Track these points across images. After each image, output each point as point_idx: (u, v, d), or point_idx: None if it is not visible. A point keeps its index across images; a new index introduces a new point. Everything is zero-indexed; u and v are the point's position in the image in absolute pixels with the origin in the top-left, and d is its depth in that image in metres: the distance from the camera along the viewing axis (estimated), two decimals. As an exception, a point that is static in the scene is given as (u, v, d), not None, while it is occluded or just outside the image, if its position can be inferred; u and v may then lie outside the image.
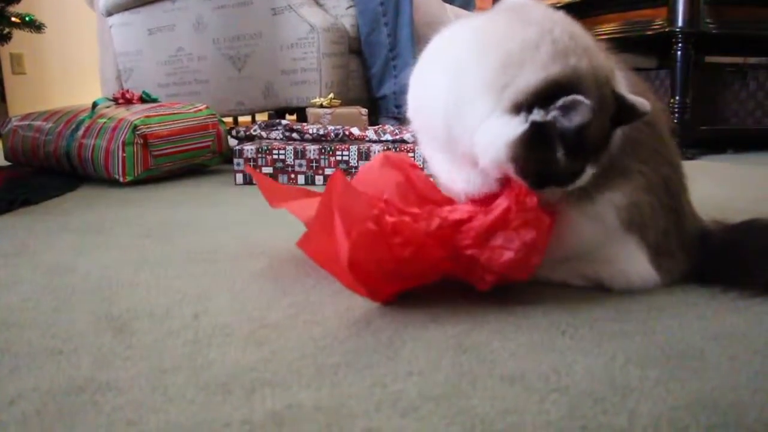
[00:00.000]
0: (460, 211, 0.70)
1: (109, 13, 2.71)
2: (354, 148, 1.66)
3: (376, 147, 1.66)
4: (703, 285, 0.78)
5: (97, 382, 0.55)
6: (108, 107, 1.86)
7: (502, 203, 0.67)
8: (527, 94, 0.65)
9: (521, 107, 0.65)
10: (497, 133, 0.67)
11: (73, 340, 0.64)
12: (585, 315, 0.70)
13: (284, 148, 1.67)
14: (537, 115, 0.65)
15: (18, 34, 2.39)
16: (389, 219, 0.68)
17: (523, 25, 0.68)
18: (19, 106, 3.95)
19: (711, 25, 2.29)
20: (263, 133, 1.86)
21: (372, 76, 2.33)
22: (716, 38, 2.36)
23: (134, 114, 1.75)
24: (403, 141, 1.72)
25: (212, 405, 0.51)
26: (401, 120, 2.21)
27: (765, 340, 0.63)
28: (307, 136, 1.78)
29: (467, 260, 0.69)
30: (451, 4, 2.71)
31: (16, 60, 4.17)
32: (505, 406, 0.50)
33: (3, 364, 0.59)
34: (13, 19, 2.25)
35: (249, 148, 1.68)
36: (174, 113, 1.84)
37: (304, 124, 1.87)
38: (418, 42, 2.28)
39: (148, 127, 1.71)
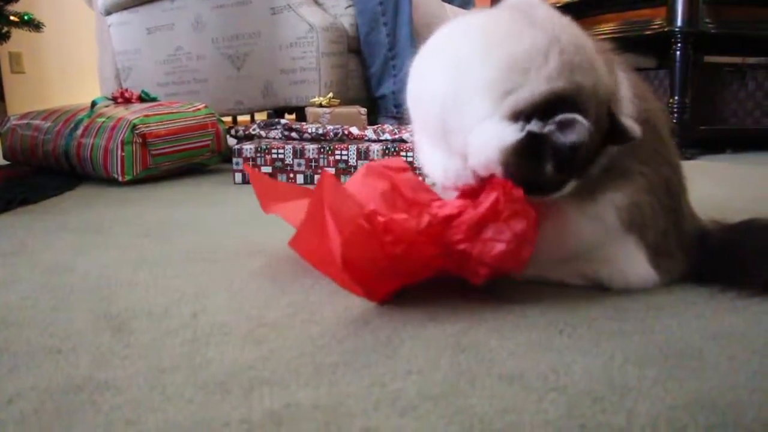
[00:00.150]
0: (450, 207, 0.70)
1: (108, 12, 2.71)
2: (353, 147, 1.66)
3: (375, 146, 1.66)
4: (702, 285, 0.78)
5: (96, 381, 0.55)
6: (107, 106, 1.86)
7: (490, 195, 0.67)
8: (528, 105, 0.65)
9: (520, 116, 0.66)
10: (492, 137, 0.67)
11: (72, 339, 0.64)
12: (583, 314, 0.70)
13: (283, 148, 1.67)
14: (535, 126, 0.65)
15: (17, 33, 2.39)
16: (380, 218, 0.68)
17: (529, 27, 0.68)
18: (17, 105, 3.95)
19: (710, 25, 2.29)
20: (262, 133, 1.86)
21: (371, 75, 2.33)
22: (715, 38, 2.36)
23: (133, 113, 1.75)
24: (402, 140, 1.72)
25: (211, 404, 0.51)
26: (400, 119, 2.21)
27: (763, 339, 0.63)
28: (306, 135, 1.78)
29: (460, 255, 0.69)
30: (450, 3, 2.71)
31: (15, 59, 4.16)
32: (504, 406, 0.50)
33: (1, 363, 0.59)
34: (11, 17, 2.25)
35: (248, 148, 1.68)
36: (173, 112, 1.84)
37: (303, 123, 1.87)
38: (417, 42, 2.28)
39: (146, 127, 1.71)
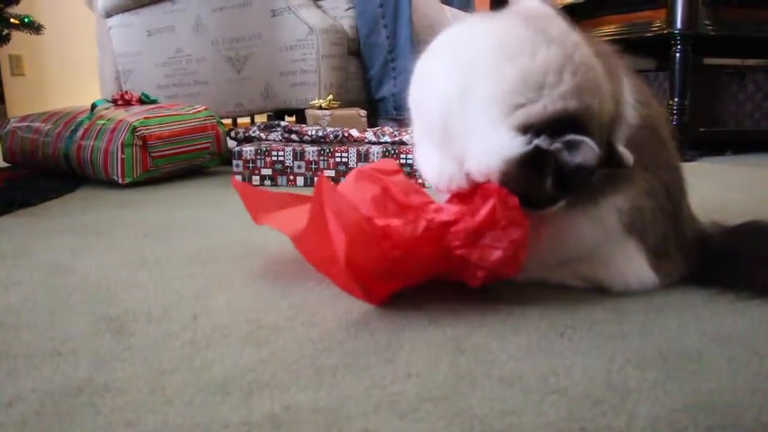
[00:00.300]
0: (447, 213, 0.70)
1: (108, 15, 2.71)
2: (353, 149, 1.66)
3: (375, 148, 1.66)
4: (702, 287, 0.78)
5: (96, 384, 0.55)
6: (107, 108, 1.86)
7: (487, 203, 0.68)
8: (540, 120, 0.66)
9: (530, 129, 0.66)
10: (497, 146, 0.67)
11: (72, 341, 0.64)
12: (583, 317, 0.70)
13: (283, 150, 1.67)
14: (543, 141, 0.66)
15: (17, 36, 2.39)
16: (379, 222, 0.69)
17: (545, 43, 0.68)
18: (18, 107, 3.95)
19: (709, 27, 2.29)
20: (262, 135, 1.86)
21: (371, 77, 2.33)
22: (715, 40, 2.36)
23: (133, 115, 1.75)
24: (402, 143, 1.72)
25: (210, 406, 0.51)
26: (400, 122, 2.21)
27: (763, 341, 0.63)
28: (306, 137, 1.78)
29: (458, 258, 0.70)
30: (449, 5, 2.72)
31: (15, 61, 4.17)
32: (504, 408, 0.50)
33: (1, 365, 0.59)
34: (12, 20, 2.25)
35: (248, 150, 1.68)
36: (173, 115, 1.84)
37: (303, 125, 1.87)
38: (417, 44, 2.28)
39: (147, 129, 1.71)
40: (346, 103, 2.15)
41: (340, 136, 1.77)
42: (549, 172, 0.67)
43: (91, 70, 3.15)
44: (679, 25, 2.27)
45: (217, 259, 0.95)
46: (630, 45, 2.46)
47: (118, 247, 1.05)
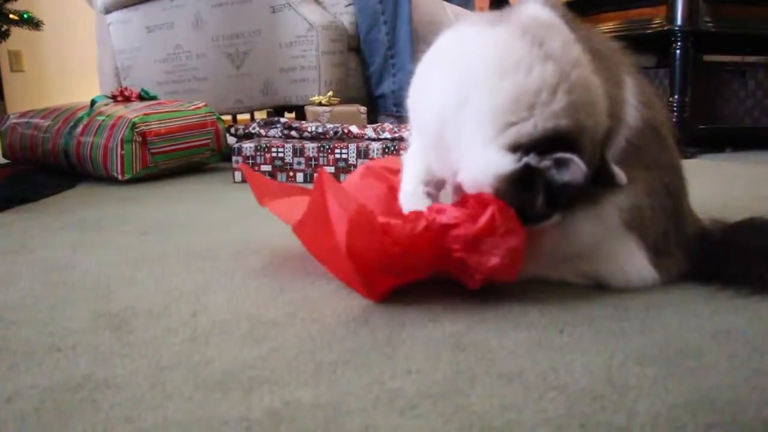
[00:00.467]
0: (447, 216, 0.71)
1: (108, 11, 2.70)
2: (353, 146, 1.66)
3: (374, 145, 1.66)
4: (702, 284, 0.78)
5: (95, 380, 0.55)
6: (106, 105, 1.86)
7: (487, 211, 0.69)
8: (530, 139, 0.66)
9: (519, 148, 0.67)
10: (488, 163, 0.68)
11: (71, 337, 0.64)
12: (583, 313, 0.70)
13: (283, 146, 1.67)
14: (532, 159, 0.66)
15: (16, 32, 2.39)
16: (379, 219, 0.70)
17: (541, 60, 0.67)
18: (17, 103, 3.95)
19: (710, 24, 2.29)
20: (262, 131, 1.86)
21: (371, 74, 2.33)
22: (715, 37, 2.36)
23: (133, 112, 1.75)
24: (402, 139, 1.72)
25: (210, 402, 0.51)
26: (400, 118, 2.21)
27: (763, 338, 0.63)
28: (305, 134, 1.78)
29: (457, 260, 0.70)
30: (450, 2, 2.71)
31: (15, 57, 4.16)
32: (503, 404, 0.50)
33: (1, 361, 0.59)
34: (11, 16, 2.24)
35: (248, 146, 1.68)
36: (172, 111, 1.84)
37: (303, 122, 1.87)
38: (417, 41, 2.28)
39: (146, 125, 1.71)
40: (346, 100, 2.15)
41: (340, 132, 1.77)
42: (539, 190, 0.68)
43: (90, 67, 3.14)
44: (679, 21, 2.27)
45: (216, 256, 0.95)
46: (630, 42, 2.46)
47: (117, 243, 1.04)
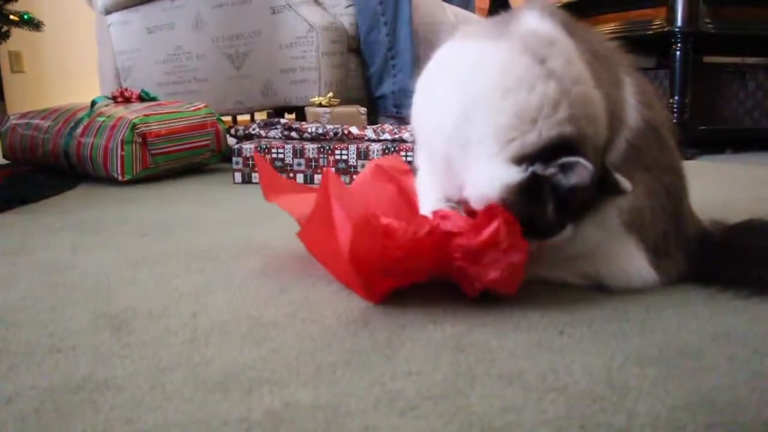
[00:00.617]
0: (452, 223, 0.71)
1: (108, 12, 2.70)
2: (353, 147, 1.66)
3: (375, 146, 1.66)
4: (702, 285, 0.78)
5: (95, 381, 0.55)
6: (107, 106, 1.86)
7: (492, 224, 0.68)
8: (534, 149, 0.67)
9: (524, 160, 0.67)
10: (494, 177, 0.68)
11: (71, 338, 0.64)
12: (583, 315, 0.70)
13: (283, 147, 1.67)
14: (538, 168, 0.67)
15: (16, 33, 2.39)
16: (383, 221, 0.70)
17: (544, 78, 0.68)
18: (17, 104, 3.95)
19: (710, 25, 2.29)
20: (262, 132, 1.86)
21: (371, 75, 2.33)
22: (715, 38, 2.36)
23: (133, 113, 1.75)
24: (402, 140, 1.72)
25: (210, 403, 0.51)
26: (400, 119, 2.21)
27: (763, 339, 0.63)
28: (306, 135, 1.78)
29: (457, 267, 0.70)
30: (450, 3, 2.71)
31: (15, 58, 4.16)
32: (503, 405, 0.50)
33: (1, 362, 0.59)
34: (11, 17, 2.25)
35: (248, 147, 1.68)
36: (173, 112, 1.84)
37: (303, 123, 1.87)
38: (417, 41, 2.28)
39: (146, 126, 1.71)
40: (346, 101, 2.15)
41: (340, 133, 1.77)
42: (548, 198, 0.68)
43: (90, 68, 3.14)
44: (679, 23, 2.27)
45: (216, 257, 0.95)
46: (630, 43, 2.46)
47: (117, 244, 1.04)
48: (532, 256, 0.71)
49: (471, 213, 0.73)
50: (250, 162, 1.67)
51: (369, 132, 1.77)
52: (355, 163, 1.64)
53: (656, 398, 0.51)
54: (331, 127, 1.78)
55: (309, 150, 1.66)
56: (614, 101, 0.74)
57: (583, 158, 0.65)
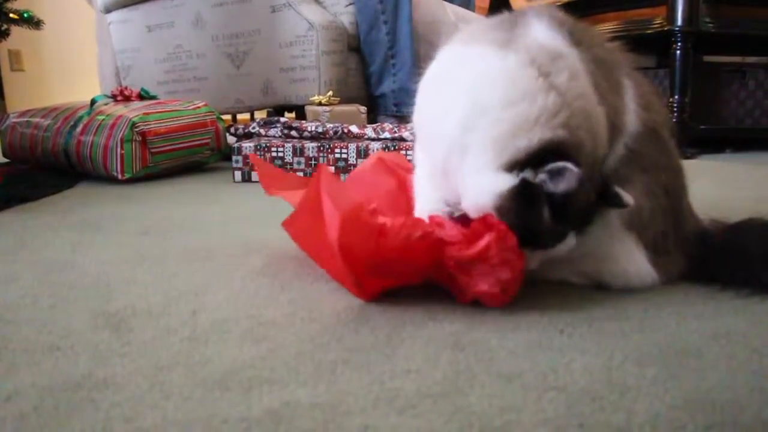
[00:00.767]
0: (446, 232, 0.70)
1: (108, 10, 2.70)
2: (353, 145, 1.66)
3: (374, 145, 1.66)
4: (701, 284, 0.78)
5: (95, 379, 0.55)
6: (106, 104, 1.85)
7: (482, 240, 0.68)
8: (524, 155, 0.67)
9: (516, 166, 0.67)
10: (487, 185, 0.68)
11: (71, 336, 0.64)
12: (583, 314, 0.70)
13: (283, 146, 1.67)
14: (528, 174, 0.67)
15: (16, 31, 2.39)
16: (378, 219, 0.69)
17: (545, 90, 0.68)
18: (17, 103, 3.95)
19: (710, 25, 2.29)
20: (262, 131, 1.86)
21: (371, 74, 2.33)
22: (715, 37, 2.36)
23: (133, 111, 1.74)
24: (402, 139, 1.72)
25: (209, 402, 0.51)
26: (400, 118, 2.21)
27: (763, 339, 0.63)
28: (305, 133, 1.78)
29: (449, 274, 0.70)
30: (450, 2, 2.71)
31: (15, 57, 4.16)
32: (503, 404, 0.50)
33: (0, 360, 0.59)
34: (11, 15, 2.25)
35: (247, 146, 1.68)
36: (172, 110, 1.84)
37: (303, 121, 1.87)
38: (417, 40, 2.28)
39: (146, 125, 1.71)
40: (346, 100, 2.15)
41: (340, 132, 1.77)
42: (542, 204, 0.68)
43: (90, 66, 3.14)
44: (679, 22, 2.27)
45: (216, 255, 0.95)
46: (630, 42, 2.46)
47: (117, 242, 1.04)
48: (534, 269, 0.71)
49: (467, 221, 0.72)
50: (250, 161, 1.67)
51: (369, 131, 1.77)
52: (354, 162, 1.64)
53: (655, 397, 0.51)
54: (331, 125, 1.78)
55: (309, 149, 1.66)
56: (615, 111, 0.74)
57: (572, 163, 0.64)
